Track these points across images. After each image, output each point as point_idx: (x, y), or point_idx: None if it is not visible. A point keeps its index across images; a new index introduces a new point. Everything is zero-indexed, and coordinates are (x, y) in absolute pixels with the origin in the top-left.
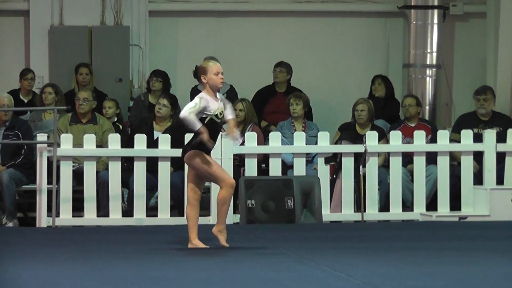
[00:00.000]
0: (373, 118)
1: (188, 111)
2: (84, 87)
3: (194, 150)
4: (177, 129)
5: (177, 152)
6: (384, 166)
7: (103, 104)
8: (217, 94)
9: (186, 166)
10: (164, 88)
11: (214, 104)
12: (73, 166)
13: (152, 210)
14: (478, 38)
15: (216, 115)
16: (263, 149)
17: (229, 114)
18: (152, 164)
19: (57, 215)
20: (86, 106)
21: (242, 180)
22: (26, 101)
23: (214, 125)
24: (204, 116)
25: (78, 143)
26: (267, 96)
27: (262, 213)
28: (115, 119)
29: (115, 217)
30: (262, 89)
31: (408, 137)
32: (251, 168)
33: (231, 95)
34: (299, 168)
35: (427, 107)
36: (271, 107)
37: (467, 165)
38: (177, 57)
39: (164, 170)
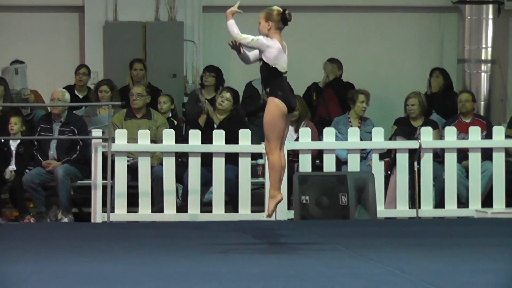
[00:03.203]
0: (427, 111)
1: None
2: (138, 82)
3: (278, 98)
4: (234, 121)
5: (231, 148)
6: (439, 162)
7: (158, 100)
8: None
9: (240, 161)
10: (217, 83)
11: (283, 58)
12: (128, 161)
13: (206, 206)
14: None
15: (286, 72)
16: (317, 145)
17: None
18: (206, 158)
19: (112, 210)
20: (140, 101)
21: (296, 175)
22: (81, 96)
23: (283, 79)
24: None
25: (132, 138)
26: (318, 87)
27: (316, 208)
28: (170, 115)
29: (170, 212)
30: (313, 84)
31: (463, 133)
32: (305, 164)
33: None
34: (353, 164)
35: (482, 103)
36: (321, 101)
37: None
38: (231, 53)
39: (218, 166)
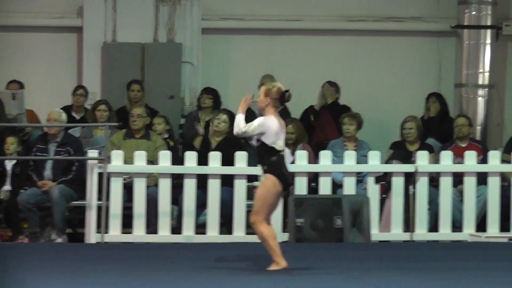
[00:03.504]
0: (423, 136)
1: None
2: (136, 103)
3: (277, 179)
4: (230, 143)
5: (227, 170)
6: (434, 186)
7: (152, 121)
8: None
9: (235, 183)
10: (214, 105)
11: (281, 136)
12: (124, 179)
13: (201, 227)
14: None
15: (283, 150)
16: (313, 168)
17: None
18: (202, 180)
19: (106, 231)
20: (140, 122)
21: (292, 198)
22: (78, 117)
23: (281, 159)
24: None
25: (130, 157)
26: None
27: (311, 231)
28: (166, 136)
29: (164, 234)
30: (310, 107)
31: (459, 157)
32: (301, 187)
33: (283, 114)
34: (349, 187)
35: (479, 127)
36: (318, 124)
37: None
38: (229, 75)
39: (214, 187)
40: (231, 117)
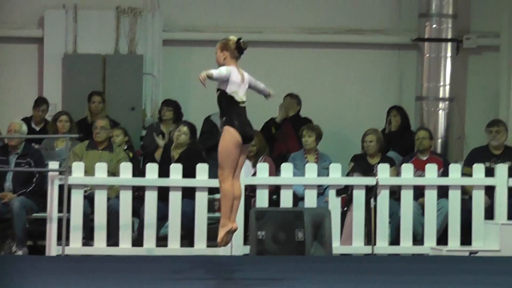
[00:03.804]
0: (384, 148)
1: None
2: (97, 115)
3: (232, 127)
4: (192, 155)
5: (189, 182)
6: (395, 199)
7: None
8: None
9: (197, 196)
10: (175, 117)
11: (239, 87)
12: (85, 191)
13: (162, 240)
14: (491, 72)
15: (243, 101)
16: (274, 180)
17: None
18: (163, 192)
19: (67, 243)
20: (103, 134)
21: (253, 211)
22: (37, 129)
23: (239, 109)
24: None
25: (93, 169)
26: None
27: (272, 244)
28: (125, 147)
29: (125, 246)
30: (271, 119)
31: (420, 170)
32: (262, 199)
33: None
34: (310, 200)
35: (439, 140)
36: (279, 136)
37: (479, 200)
38: (190, 86)
39: (175, 200)
40: (192, 129)
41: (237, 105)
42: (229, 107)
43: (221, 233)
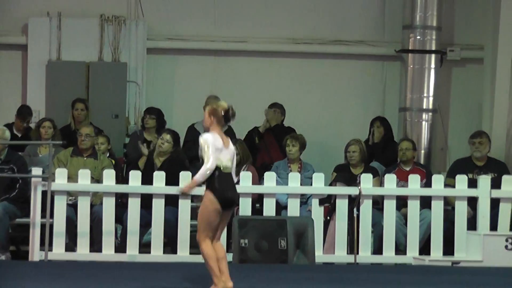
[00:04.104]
0: (367, 159)
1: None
2: (80, 123)
3: (214, 197)
4: (174, 162)
5: (172, 190)
6: (378, 209)
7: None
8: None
9: (180, 203)
10: (158, 125)
11: (224, 153)
12: (70, 200)
13: (145, 247)
14: (475, 84)
15: (226, 167)
16: (257, 189)
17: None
18: (146, 200)
19: (50, 249)
20: (88, 142)
21: (236, 219)
22: (20, 135)
23: (223, 175)
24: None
25: (77, 175)
26: (259, 132)
27: (255, 252)
28: (107, 155)
29: (108, 252)
30: (254, 128)
31: (402, 180)
32: (245, 208)
33: (228, 135)
34: (293, 208)
35: (423, 151)
36: (262, 146)
37: (461, 210)
38: (174, 95)
39: (158, 207)
40: (175, 137)
41: (220, 171)
42: (212, 174)
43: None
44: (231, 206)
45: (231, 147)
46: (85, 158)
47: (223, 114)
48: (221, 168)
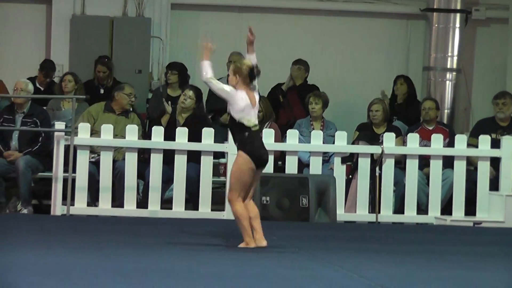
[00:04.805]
0: (389, 118)
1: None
2: (103, 81)
3: (245, 153)
4: (197, 120)
5: (194, 146)
6: (400, 168)
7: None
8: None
9: (202, 159)
10: (180, 81)
11: (251, 113)
12: (92, 158)
13: (166, 203)
14: (499, 44)
15: (255, 125)
16: (279, 146)
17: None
18: (169, 156)
19: (72, 203)
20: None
21: None
22: (42, 89)
23: (252, 134)
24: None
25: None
26: (283, 91)
27: (277, 210)
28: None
29: (130, 208)
30: (277, 86)
31: (425, 140)
32: (267, 165)
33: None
34: (315, 167)
35: (446, 111)
36: (286, 104)
37: (484, 171)
38: (198, 50)
39: (180, 163)
40: (197, 93)
41: (248, 130)
42: (241, 133)
43: (242, 246)
44: (264, 165)
45: (257, 104)
46: (117, 116)
47: (247, 72)
48: (251, 127)
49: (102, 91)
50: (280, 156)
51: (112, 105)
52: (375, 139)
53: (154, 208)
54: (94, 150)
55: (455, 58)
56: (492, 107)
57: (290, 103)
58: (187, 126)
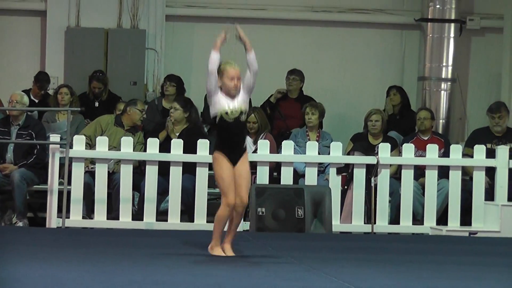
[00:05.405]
0: (386, 129)
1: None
2: (98, 95)
3: (217, 151)
4: (192, 131)
5: (189, 157)
6: (396, 178)
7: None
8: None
9: (197, 171)
10: (178, 93)
11: (224, 101)
12: (92, 168)
13: (162, 215)
14: (494, 53)
15: (226, 113)
16: (275, 157)
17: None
18: (164, 167)
19: (68, 216)
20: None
21: (253, 187)
22: (37, 101)
23: (225, 125)
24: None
25: (113, 146)
26: (278, 101)
27: (272, 221)
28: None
29: (125, 220)
30: (266, 101)
31: (420, 150)
32: (262, 176)
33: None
34: (311, 177)
35: (441, 121)
36: (277, 114)
37: (479, 180)
38: (193, 62)
39: (176, 175)
40: (184, 102)
41: (221, 122)
42: (215, 129)
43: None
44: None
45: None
46: (125, 131)
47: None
48: (222, 116)
49: (96, 104)
50: (276, 167)
51: (123, 119)
52: (370, 150)
53: (149, 220)
54: (94, 161)
55: (450, 68)
56: (488, 118)
57: (282, 114)
58: (182, 137)
